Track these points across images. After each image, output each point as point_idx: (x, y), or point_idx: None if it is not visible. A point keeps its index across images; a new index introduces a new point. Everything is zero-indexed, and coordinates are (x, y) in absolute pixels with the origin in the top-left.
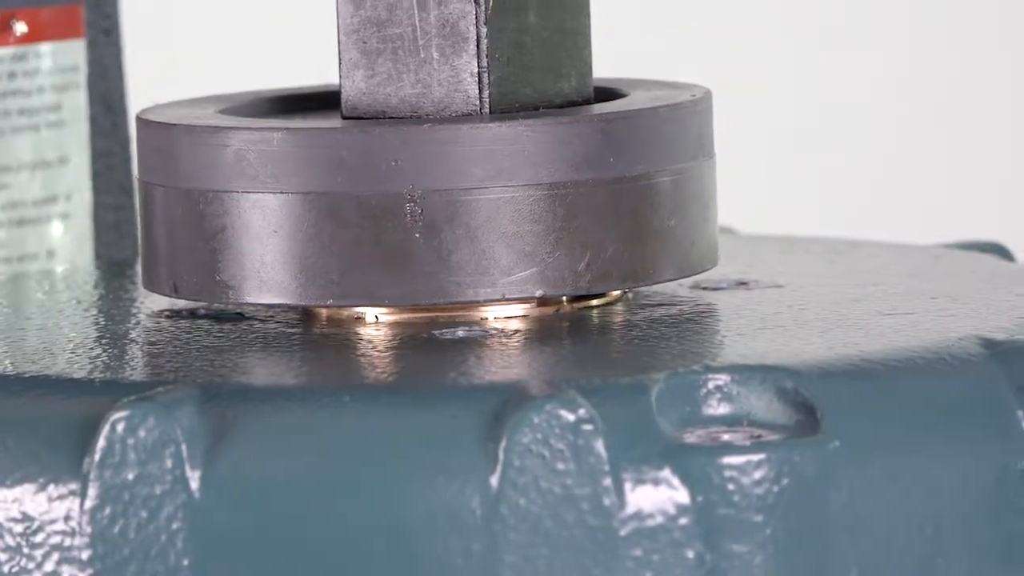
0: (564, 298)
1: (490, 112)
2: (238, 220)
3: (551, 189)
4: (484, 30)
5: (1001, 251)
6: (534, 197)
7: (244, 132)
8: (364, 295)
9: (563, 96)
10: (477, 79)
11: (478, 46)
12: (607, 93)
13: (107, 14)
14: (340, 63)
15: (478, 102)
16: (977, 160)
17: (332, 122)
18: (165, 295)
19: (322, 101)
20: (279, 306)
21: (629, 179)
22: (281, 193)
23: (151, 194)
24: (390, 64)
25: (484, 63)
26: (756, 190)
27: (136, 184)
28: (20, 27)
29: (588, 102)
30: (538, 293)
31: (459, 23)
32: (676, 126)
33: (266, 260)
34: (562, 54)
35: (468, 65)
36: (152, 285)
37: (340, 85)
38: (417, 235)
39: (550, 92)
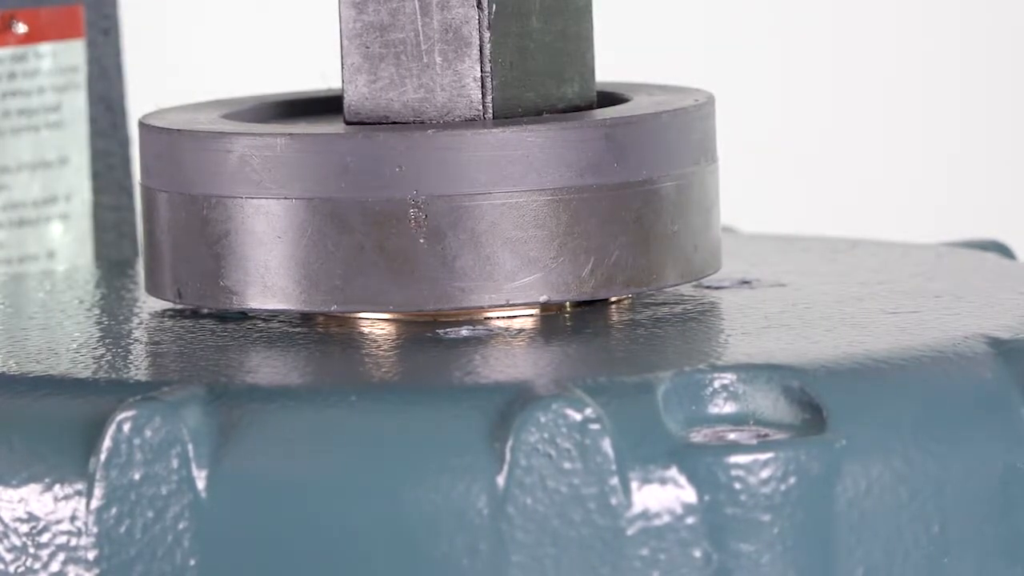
0: (567, 303)
1: (493, 117)
2: (242, 226)
3: (555, 195)
4: (487, 35)
5: (1002, 249)
6: (538, 203)
7: (247, 137)
8: (368, 301)
9: (566, 101)
10: (480, 84)
11: (481, 51)
12: (610, 98)
13: (107, 14)
14: (343, 68)
15: (481, 107)
16: (977, 159)
17: (336, 128)
18: (168, 300)
19: (325, 106)
20: (283, 311)
21: (633, 184)
22: (285, 199)
23: (154, 199)
24: (393, 69)
25: (487, 68)
26: (757, 190)
27: (139, 189)
28: (20, 27)
29: (591, 107)
30: (542, 298)
31: (462, 28)
32: (679, 131)
33: (270, 266)
34: (565, 59)
35: (471, 70)
36: (155, 290)
37: (343, 90)
38: (421, 240)
39: (553, 97)
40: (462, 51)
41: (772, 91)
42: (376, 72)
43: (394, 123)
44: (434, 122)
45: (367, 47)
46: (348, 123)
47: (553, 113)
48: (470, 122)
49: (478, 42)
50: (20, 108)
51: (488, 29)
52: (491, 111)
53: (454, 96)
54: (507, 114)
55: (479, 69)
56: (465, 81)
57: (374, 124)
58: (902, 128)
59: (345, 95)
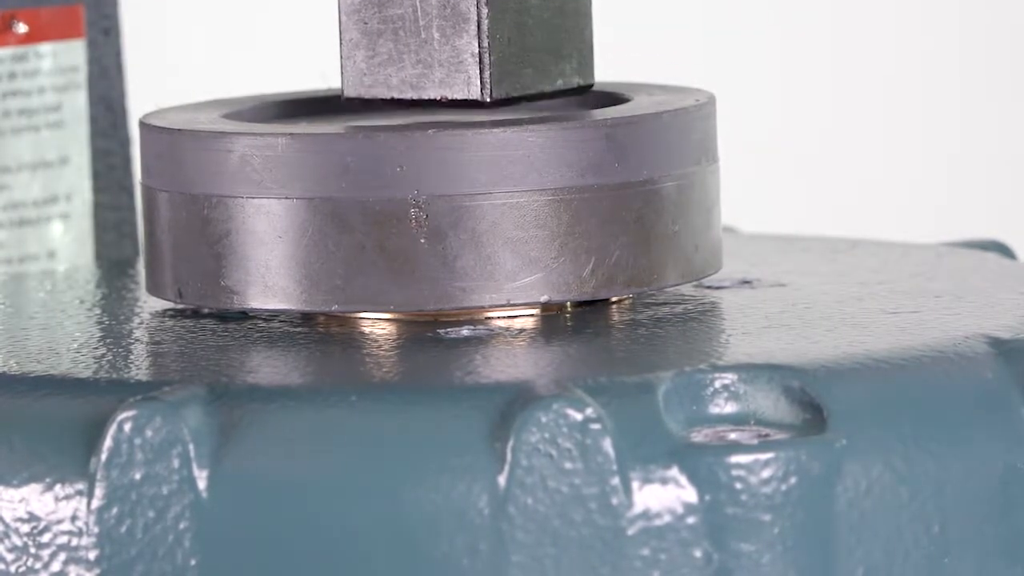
0: (568, 303)
1: (491, 93)
2: (242, 225)
3: (556, 195)
4: (485, 11)
5: (1003, 249)
6: (539, 203)
7: (248, 137)
8: (369, 301)
9: (564, 77)
10: (478, 60)
11: (479, 27)
12: (611, 98)
13: (107, 14)
14: (341, 43)
15: (479, 83)
16: (977, 159)
17: (336, 127)
18: (169, 300)
19: (325, 106)
20: (284, 311)
21: (634, 184)
22: (286, 198)
23: (155, 199)
24: (391, 44)
25: (485, 44)
26: (757, 190)
27: (139, 189)
28: (20, 27)
29: (590, 84)
30: (543, 298)
31: (460, 4)
32: (680, 131)
33: (271, 265)
34: (563, 35)
35: (469, 46)
36: (156, 290)
37: (341, 65)
38: (422, 240)
39: (552, 73)
40: (460, 27)
41: (772, 91)
42: (374, 48)
43: (392, 99)
44: (432, 98)
45: (365, 23)
46: (345, 98)
47: (552, 90)
48: (471, 124)
49: (476, 18)
50: (20, 108)
51: (486, 5)
52: (489, 87)
53: (452, 72)
54: (505, 90)
55: (477, 45)
56: (463, 57)
57: (372, 101)
58: (902, 128)
59: (343, 71)
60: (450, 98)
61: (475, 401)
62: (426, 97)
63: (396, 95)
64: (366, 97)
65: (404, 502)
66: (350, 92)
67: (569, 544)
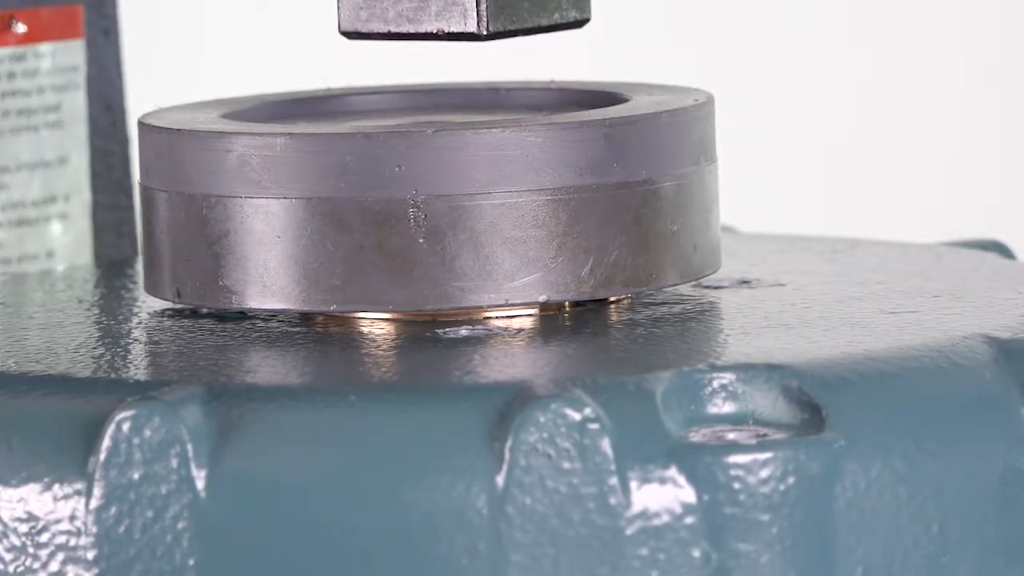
0: (567, 303)
1: (488, 26)
2: (241, 225)
3: (554, 194)
4: None
5: (1001, 249)
6: (537, 202)
7: (247, 137)
8: (367, 300)
9: (561, 11)
10: None
11: None
12: (610, 97)
13: (106, 14)
14: None
15: (475, 15)
16: (977, 159)
17: (335, 127)
18: (168, 300)
19: (325, 106)
20: (282, 311)
21: (632, 184)
22: (284, 198)
23: (153, 199)
24: None
25: None
26: (756, 189)
27: (138, 189)
28: (20, 27)
29: (586, 18)
30: (542, 298)
31: None
32: (679, 131)
33: (269, 265)
34: None
35: None
36: (154, 290)
37: (337, 1)
38: (420, 240)
39: (548, 6)
40: None
41: (772, 91)
42: None
43: (390, 32)
44: (428, 31)
45: None
46: (343, 33)
47: (549, 23)
48: (470, 124)
49: None
50: (20, 108)
51: None
52: (486, 19)
53: (448, 4)
54: (502, 23)
55: None
56: None
57: (369, 35)
58: (902, 128)
59: (339, 6)
60: (447, 31)
61: (474, 401)
62: (422, 31)
63: (393, 28)
64: (363, 31)
65: (403, 502)
66: (346, 26)
67: (567, 544)
